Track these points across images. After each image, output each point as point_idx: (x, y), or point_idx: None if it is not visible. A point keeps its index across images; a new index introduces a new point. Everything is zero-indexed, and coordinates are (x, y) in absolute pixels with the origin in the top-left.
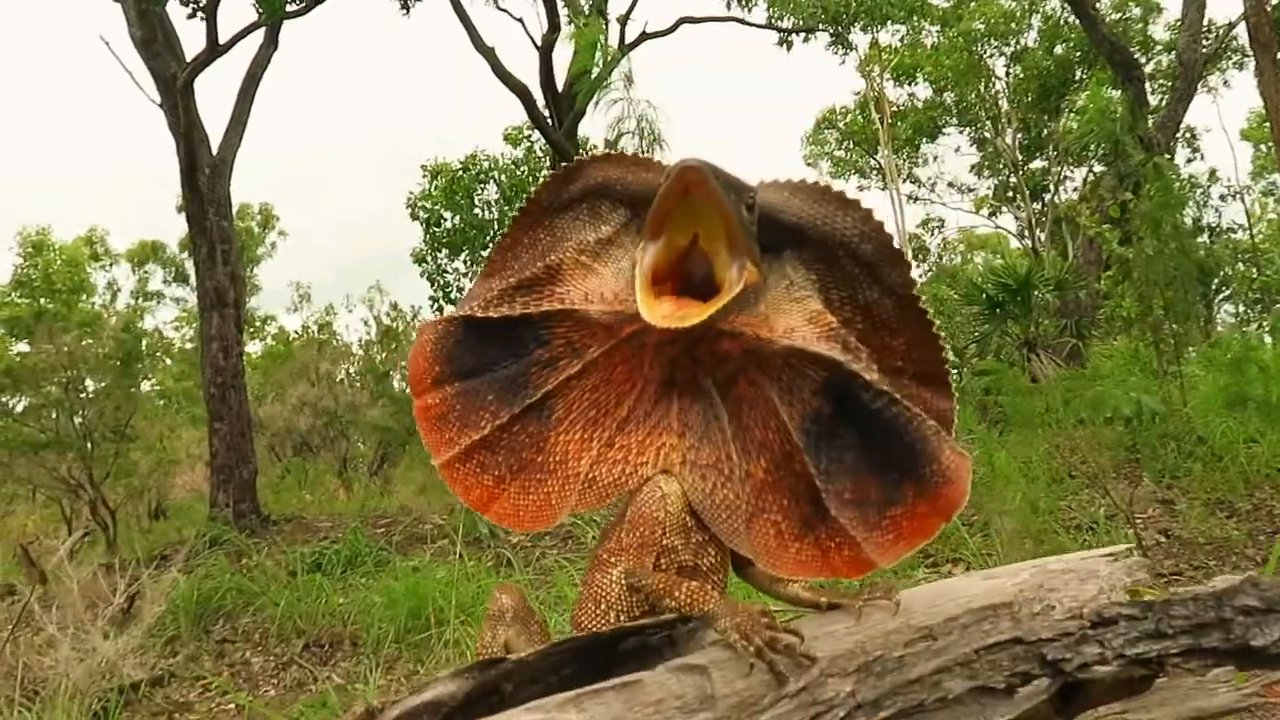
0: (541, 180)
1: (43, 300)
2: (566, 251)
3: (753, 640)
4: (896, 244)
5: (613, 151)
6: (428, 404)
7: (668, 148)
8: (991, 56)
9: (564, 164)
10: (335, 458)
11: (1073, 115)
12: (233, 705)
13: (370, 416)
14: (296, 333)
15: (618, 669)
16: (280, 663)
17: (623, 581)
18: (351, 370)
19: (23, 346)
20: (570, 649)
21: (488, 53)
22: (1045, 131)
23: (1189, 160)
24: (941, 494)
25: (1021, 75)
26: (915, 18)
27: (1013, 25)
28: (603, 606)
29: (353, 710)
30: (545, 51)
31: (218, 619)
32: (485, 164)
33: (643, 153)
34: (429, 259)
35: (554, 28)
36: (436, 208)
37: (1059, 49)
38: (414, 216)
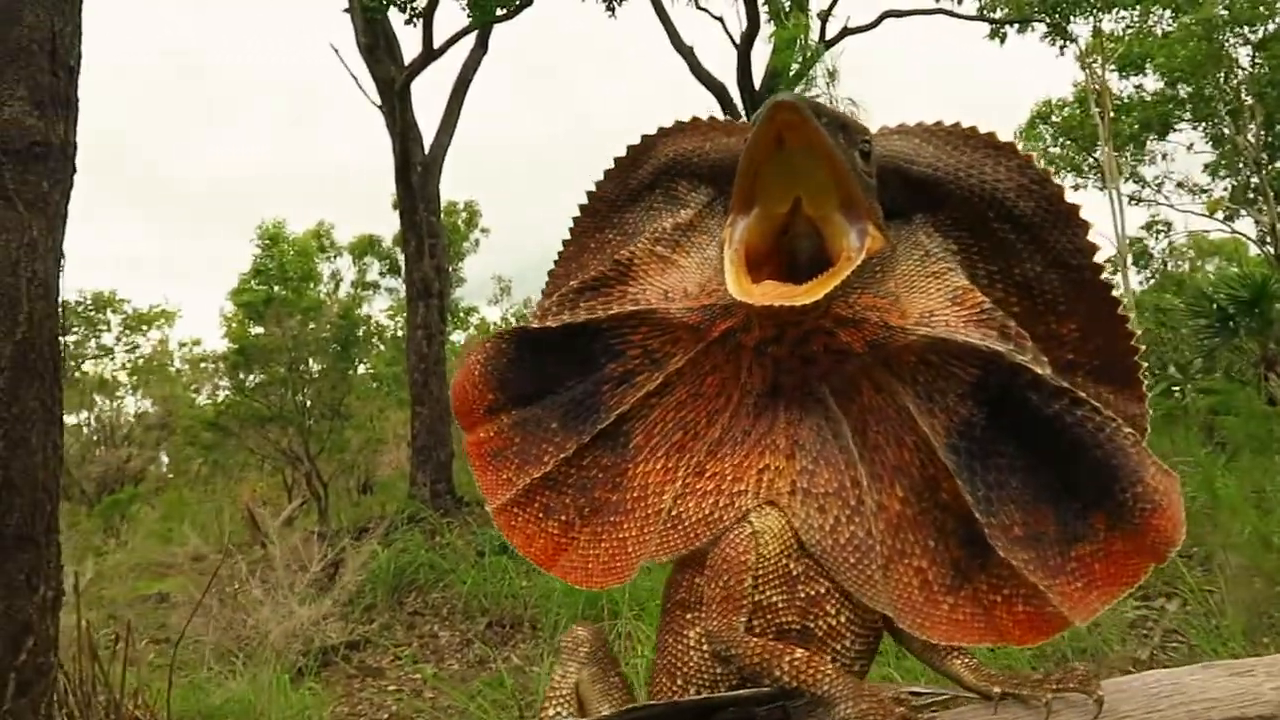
0: (604, 170)
1: (276, 287)
2: (639, 244)
3: None
4: (1068, 198)
5: (684, 120)
6: (481, 438)
7: None
8: (1233, 45)
9: (629, 145)
10: None
11: None
12: (419, 675)
13: None
14: (497, 324)
15: None
16: (464, 639)
17: (702, 648)
18: None
19: (259, 330)
20: (649, 717)
21: (686, 52)
22: None
23: None
24: (1149, 526)
25: (1268, 65)
26: (1147, 3)
27: (1261, 9)
28: (679, 680)
29: None
30: (744, 50)
31: (411, 592)
32: None
33: None
34: None
35: (754, 25)
36: None
37: None
38: None
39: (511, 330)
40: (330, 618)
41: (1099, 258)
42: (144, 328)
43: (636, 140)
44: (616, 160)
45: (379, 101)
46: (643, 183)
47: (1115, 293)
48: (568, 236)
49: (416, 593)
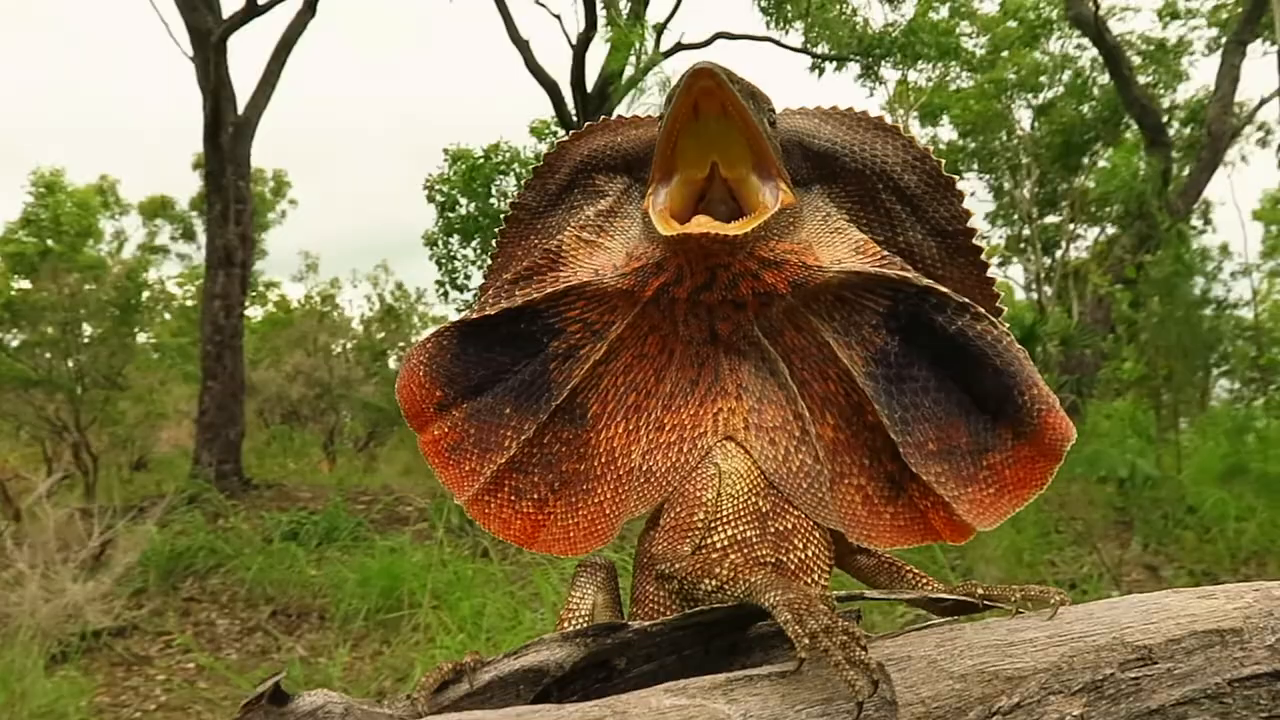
0: (524, 180)
1: (49, 241)
2: (566, 233)
3: (806, 622)
4: (945, 171)
5: (593, 123)
6: (435, 436)
7: None
8: (1020, 107)
9: (545, 154)
10: (323, 430)
11: (1093, 173)
12: (193, 664)
13: (362, 393)
14: (299, 302)
15: (744, 657)
16: (246, 627)
17: (663, 590)
18: (349, 345)
19: (25, 284)
20: (696, 626)
21: (522, 45)
22: (1063, 187)
23: (1201, 232)
24: (1046, 424)
25: (1046, 129)
26: (948, 60)
27: (1042, 79)
28: (647, 608)
29: (440, 666)
30: (579, 50)
31: (187, 577)
32: (507, 154)
33: None
34: (440, 242)
35: (591, 27)
36: (453, 192)
37: (1085, 108)
38: (430, 199)
39: (451, 324)
40: (94, 600)
41: (972, 223)
42: None
43: (553, 150)
44: (534, 169)
45: (191, 53)
46: (561, 185)
47: (984, 256)
48: (495, 250)
49: (193, 578)
